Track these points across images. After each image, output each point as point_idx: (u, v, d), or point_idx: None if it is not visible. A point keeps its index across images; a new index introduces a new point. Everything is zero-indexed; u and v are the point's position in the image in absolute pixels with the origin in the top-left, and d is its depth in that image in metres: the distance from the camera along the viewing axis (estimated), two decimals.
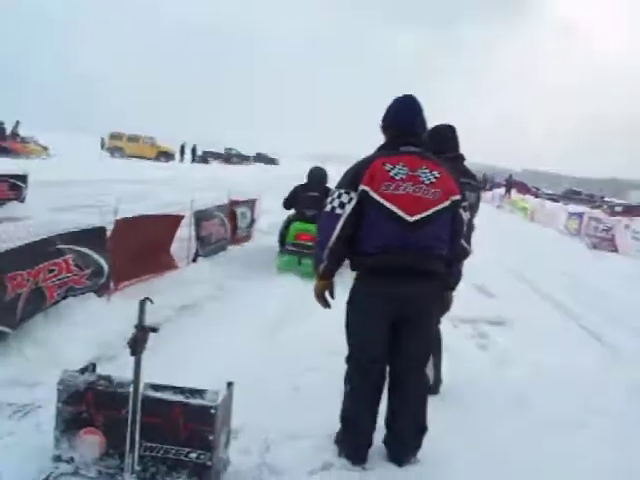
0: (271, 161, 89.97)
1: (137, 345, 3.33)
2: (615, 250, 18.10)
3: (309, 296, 7.91)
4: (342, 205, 3.89)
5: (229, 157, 73.67)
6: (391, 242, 3.84)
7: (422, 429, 4.17)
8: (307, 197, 10.59)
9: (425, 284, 3.96)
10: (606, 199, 62.19)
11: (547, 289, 11.75)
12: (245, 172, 49.74)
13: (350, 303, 4.11)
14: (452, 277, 4.37)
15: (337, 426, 4.26)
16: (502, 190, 46.43)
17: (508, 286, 11.45)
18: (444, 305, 4.43)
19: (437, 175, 3.95)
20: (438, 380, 5.39)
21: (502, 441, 4.68)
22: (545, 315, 9.57)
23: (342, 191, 3.93)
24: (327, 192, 8.57)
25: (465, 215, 4.15)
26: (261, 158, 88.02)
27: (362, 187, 3.86)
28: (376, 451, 4.20)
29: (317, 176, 10.99)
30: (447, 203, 3.95)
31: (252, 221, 13.39)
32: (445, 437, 4.44)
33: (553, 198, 52.86)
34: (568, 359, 6.93)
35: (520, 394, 5.64)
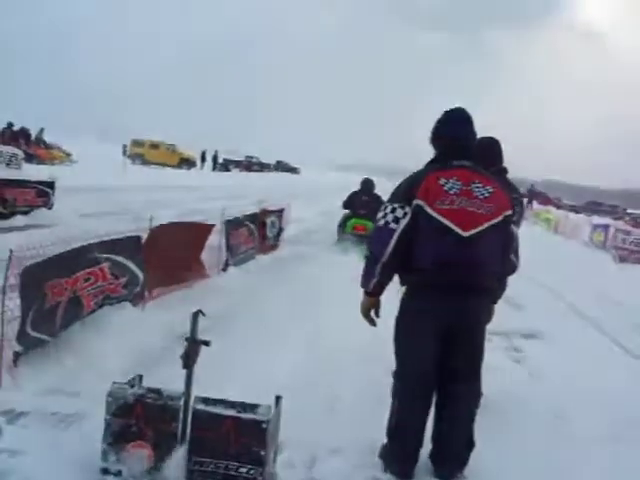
0: (292, 170, 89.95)
1: (190, 358, 3.29)
2: None
3: (341, 306, 7.89)
4: (396, 220, 3.84)
5: (250, 165, 73.92)
6: (445, 257, 3.79)
7: (470, 445, 4.12)
8: (360, 201, 14.69)
9: (476, 299, 3.93)
10: (628, 211, 61.77)
11: (575, 302, 11.65)
12: (268, 181, 49.84)
13: (400, 318, 4.06)
14: (499, 291, 4.36)
15: (379, 439, 4.22)
16: (524, 201, 46.00)
17: (536, 298, 11.34)
18: (488, 317, 4.42)
19: (490, 190, 3.91)
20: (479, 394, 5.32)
21: (544, 457, 4.62)
22: (575, 328, 9.50)
23: (396, 205, 3.88)
24: (375, 197, 14.24)
25: (515, 230, 4.12)
26: (281, 166, 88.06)
27: (417, 201, 3.81)
28: (422, 467, 4.15)
29: (368, 185, 15.07)
30: (500, 218, 3.91)
31: (280, 230, 13.43)
32: (489, 453, 4.34)
33: (575, 209, 52.48)
34: (601, 372, 6.84)
35: (558, 408, 5.60)
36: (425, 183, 3.84)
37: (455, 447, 4.10)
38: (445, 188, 3.82)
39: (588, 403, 5.76)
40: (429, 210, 3.79)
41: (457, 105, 4.20)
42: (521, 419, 5.26)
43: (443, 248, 3.80)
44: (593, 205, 61.83)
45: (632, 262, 18.43)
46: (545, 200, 55.16)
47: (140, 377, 3.77)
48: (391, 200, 3.95)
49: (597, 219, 29.91)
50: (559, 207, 50.34)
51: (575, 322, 10.03)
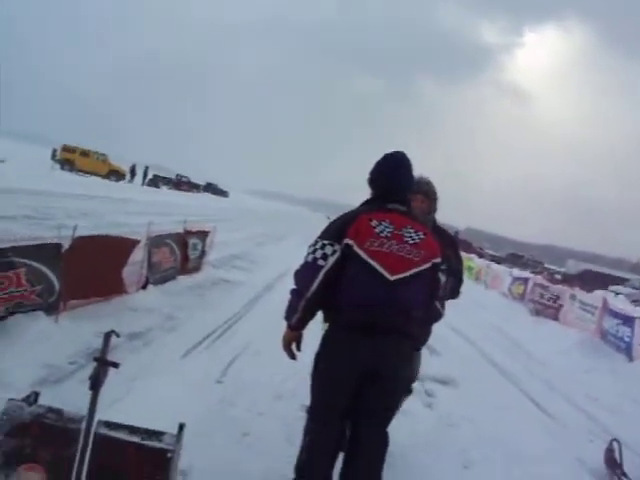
0: (221, 192, 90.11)
1: (97, 380, 3.13)
2: (557, 319, 18.24)
3: (259, 337, 7.81)
4: (325, 257, 3.79)
5: (179, 183, 73.32)
6: (369, 299, 3.75)
7: None
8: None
9: (398, 343, 3.87)
10: (546, 265, 63.59)
11: (490, 352, 11.93)
12: (197, 201, 49.60)
13: (319, 355, 3.98)
14: (422, 337, 4.33)
15: (286, 474, 4.11)
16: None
17: (453, 345, 11.48)
18: (414, 366, 4.39)
19: (422, 236, 3.90)
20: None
21: None
22: (488, 377, 9.67)
23: (326, 242, 3.83)
24: None
25: (443, 278, 4.11)
26: (211, 188, 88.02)
27: (347, 241, 3.78)
28: None
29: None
30: (428, 265, 3.90)
31: (203, 253, 13.23)
32: None
33: (496, 260, 53.56)
34: (509, 424, 6.97)
35: (466, 457, 5.64)
36: (357, 223, 3.82)
37: None
38: (376, 230, 3.80)
39: (495, 454, 5.85)
40: (358, 250, 3.76)
41: (396, 150, 4.19)
42: (429, 465, 5.28)
43: (368, 289, 3.76)
44: (514, 257, 63.34)
45: (546, 316, 18.76)
46: (468, 248, 56.16)
47: (36, 394, 3.52)
48: (322, 237, 3.90)
49: (517, 271, 30.53)
50: (481, 256, 51.31)
51: (488, 371, 10.18)
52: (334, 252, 3.79)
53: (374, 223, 3.82)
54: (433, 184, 4.96)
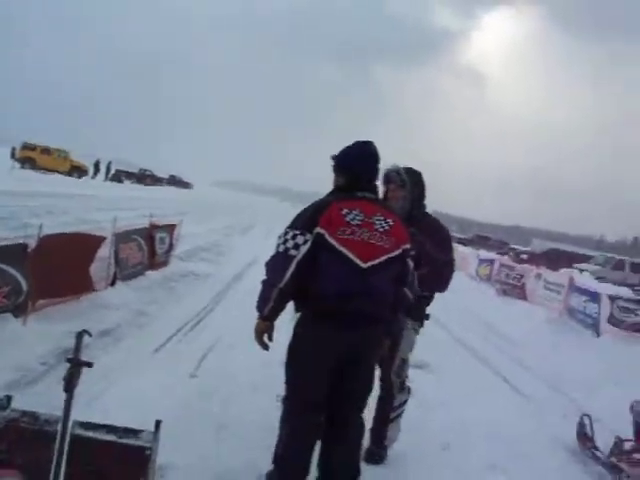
0: (185, 185, 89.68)
1: (71, 381, 3.10)
2: (524, 298, 18.43)
3: (230, 329, 7.78)
4: (296, 246, 3.78)
5: (143, 177, 72.66)
6: (343, 287, 3.76)
7: (355, 473, 4.08)
8: None
9: (371, 330, 3.91)
10: (512, 245, 64.06)
11: (461, 334, 12.00)
12: (161, 194, 49.21)
13: (293, 345, 3.99)
14: (394, 324, 4.31)
15: (265, 466, 4.13)
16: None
17: (423, 329, 11.48)
18: (381, 351, 4.37)
19: (391, 223, 3.93)
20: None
21: None
22: (460, 360, 9.72)
23: (297, 232, 3.82)
24: None
25: (411, 264, 4.13)
26: (175, 181, 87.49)
27: (318, 230, 3.78)
28: None
29: None
30: (399, 251, 3.93)
31: (170, 246, 13.13)
32: None
33: (462, 242, 53.81)
34: (484, 404, 7.04)
35: (443, 440, 5.68)
36: (328, 212, 3.82)
37: (341, 476, 4.05)
38: (347, 219, 3.81)
39: (472, 435, 5.91)
40: (330, 239, 3.77)
41: (365, 139, 4.18)
42: (408, 449, 5.29)
43: (341, 278, 3.77)
44: (480, 239, 63.65)
45: (513, 296, 18.96)
46: None
47: (9, 398, 3.46)
48: (292, 226, 3.89)
49: (484, 253, 30.72)
50: None
51: (460, 354, 10.25)
52: (306, 241, 3.78)
53: (345, 212, 3.83)
54: (403, 172, 4.94)
